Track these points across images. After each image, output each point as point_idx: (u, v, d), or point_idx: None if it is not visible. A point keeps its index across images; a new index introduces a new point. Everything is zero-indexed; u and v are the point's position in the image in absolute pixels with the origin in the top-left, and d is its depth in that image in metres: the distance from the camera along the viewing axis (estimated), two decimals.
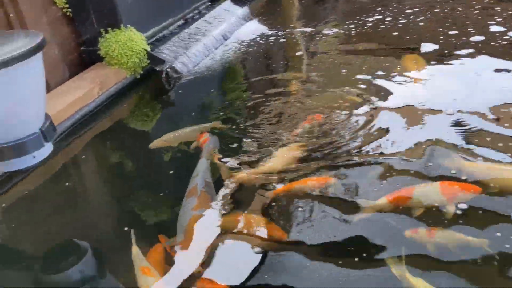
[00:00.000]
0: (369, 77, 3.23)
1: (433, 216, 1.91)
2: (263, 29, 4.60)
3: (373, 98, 2.93)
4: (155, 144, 2.80)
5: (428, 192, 1.97)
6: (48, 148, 2.14)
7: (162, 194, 2.45)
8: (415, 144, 2.39)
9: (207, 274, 1.83)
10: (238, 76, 3.78)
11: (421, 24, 4.06)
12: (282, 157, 2.41)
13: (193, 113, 3.24)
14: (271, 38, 4.35)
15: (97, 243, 2.23)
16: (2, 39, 2.02)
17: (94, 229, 2.36)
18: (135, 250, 1.98)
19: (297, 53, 4.03)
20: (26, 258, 2.35)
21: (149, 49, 3.56)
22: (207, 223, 2.07)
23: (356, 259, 1.79)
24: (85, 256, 2.22)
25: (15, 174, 2.55)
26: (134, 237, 2.04)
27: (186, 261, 1.88)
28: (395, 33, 3.95)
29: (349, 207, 2.05)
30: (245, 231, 2.02)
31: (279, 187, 2.23)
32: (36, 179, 2.74)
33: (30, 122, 2.05)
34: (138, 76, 3.57)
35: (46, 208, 2.57)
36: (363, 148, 2.45)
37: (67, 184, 2.72)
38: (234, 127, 2.89)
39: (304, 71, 3.68)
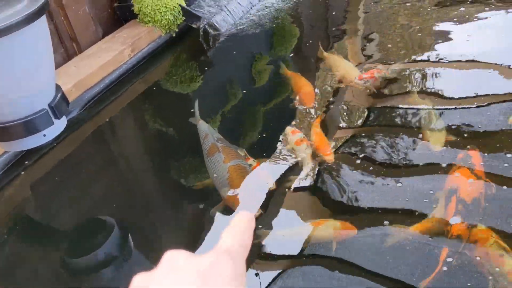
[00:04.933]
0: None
1: None
2: None
3: None
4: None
5: None
6: (60, 125, 1.91)
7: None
8: None
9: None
10: (287, 32, 3.38)
11: None
12: None
13: (235, 75, 2.93)
14: None
15: (127, 219, 2.14)
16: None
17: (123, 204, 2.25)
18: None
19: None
20: (54, 237, 2.26)
21: (184, 4, 3.20)
22: (247, 172, 2.07)
23: None
24: (111, 234, 2.10)
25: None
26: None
27: (247, 207, 1.91)
28: None
29: None
30: None
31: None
32: (61, 151, 2.57)
33: (36, 97, 1.80)
34: (174, 35, 3.25)
35: (72, 183, 2.41)
36: None
37: (95, 156, 2.53)
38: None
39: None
